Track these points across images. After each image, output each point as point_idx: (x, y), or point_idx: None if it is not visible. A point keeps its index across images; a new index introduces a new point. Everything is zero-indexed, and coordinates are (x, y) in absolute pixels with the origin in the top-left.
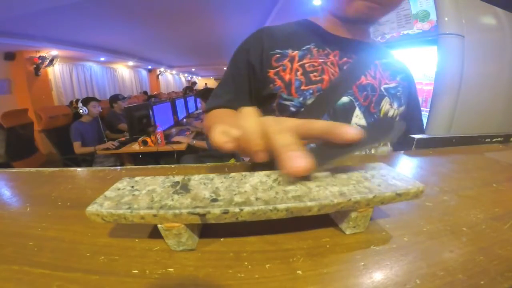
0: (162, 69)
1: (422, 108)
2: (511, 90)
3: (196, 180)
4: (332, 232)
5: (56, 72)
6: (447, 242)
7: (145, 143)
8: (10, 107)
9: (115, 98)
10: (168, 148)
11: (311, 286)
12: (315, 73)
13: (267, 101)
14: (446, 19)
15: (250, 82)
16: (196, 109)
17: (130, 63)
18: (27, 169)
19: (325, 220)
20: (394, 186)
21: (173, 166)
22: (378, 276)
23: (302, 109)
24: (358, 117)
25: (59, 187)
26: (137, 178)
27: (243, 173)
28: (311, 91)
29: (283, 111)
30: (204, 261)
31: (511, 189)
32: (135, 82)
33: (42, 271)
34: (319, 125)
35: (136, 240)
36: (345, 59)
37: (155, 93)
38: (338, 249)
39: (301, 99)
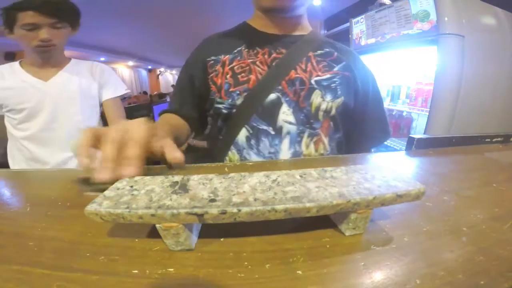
0: (162, 69)
1: (422, 108)
2: (511, 90)
3: (195, 180)
4: (332, 232)
5: None
6: (447, 242)
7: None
8: None
9: None
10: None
11: (311, 286)
12: (242, 74)
13: (210, 106)
14: (446, 19)
15: (193, 92)
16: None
17: (130, 63)
18: (27, 169)
19: (325, 220)
20: (395, 187)
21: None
22: (378, 276)
23: (234, 111)
24: (285, 113)
25: (59, 187)
26: (136, 178)
27: (242, 173)
28: (238, 92)
29: (218, 114)
30: (204, 261)
31: (511, 189)
32: (135, 82)
33: (42, 271)
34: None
35: (136, 240)
36: (274, 55)
37: (155, 92)
38: (338, 249)
39: (230, 100)
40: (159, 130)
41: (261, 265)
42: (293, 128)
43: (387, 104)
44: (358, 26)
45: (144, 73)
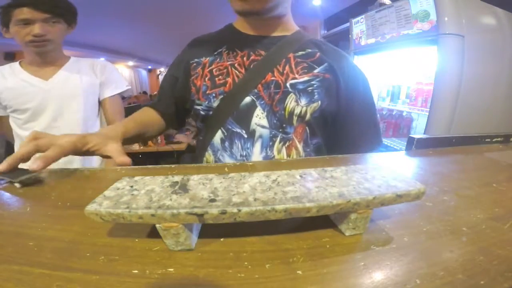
0: (162, 69)
1: (422, 108)
2: (511, 90)
3: (195, 180)
4: (332, 232)
5: None
6: (447, 242)
7: (145, 143)
8: None
9: None
10: (168, 148)
11: (311, 286)
12: (220, 77)
13: (191, 107)
14: (446, 19)
15: (173, 91)
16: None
17: (130, 63)
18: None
19: (325, 220)
20: (395, 187)
21: (173, 166)
22: (378, 276)
23: (210, 112)
24: (259, 117)
25: (59, 187)
26: (136, 178)
27: (242, 173)
28: (214, 95)
29: (197, 116)
30: (204, 261)
31: (511, 189)
32: (135, 82)
33: (42, 271)
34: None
35: (136, 240)
36: (252, 57)
37: (155, 92)
38: (338, 249)
39: (206, 102)
40: (99, 136)
41: (261, 265)
42: (265, 132)
43: (387, 104)
44: (358, 26)
45: (144, 73)
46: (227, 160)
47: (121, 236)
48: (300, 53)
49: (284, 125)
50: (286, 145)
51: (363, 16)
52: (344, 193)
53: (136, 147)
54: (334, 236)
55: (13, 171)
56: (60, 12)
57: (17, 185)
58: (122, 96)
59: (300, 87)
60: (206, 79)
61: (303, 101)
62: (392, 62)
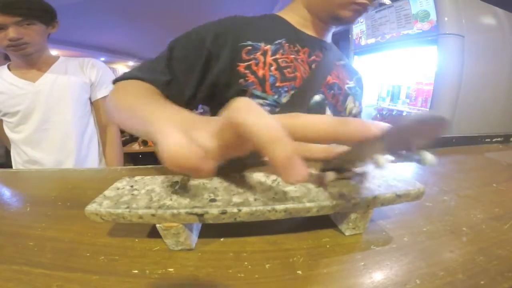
0: None
1: (422, 108)
2: (511, 90)
3: (195, 180)
4: (332, 232)
5: None
6: (447, 242)
7: (145, 143)
8: None
9: None
10: None
11: (311, 286)
12: (288, 69)
13: (233, 97)
14: (446, 19)
15: (202, 71)
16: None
17: (130, 63)
18: (27, 169)
19: (325, 220)
20: (395, 187)
21: None
22: (378, 276)
23: (277, 109)
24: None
25: (59, 187)
26: (136, 178)
27: (243, 173)
28: (286, 89)
29: None
30: (204, 261)
31: (511, 189)
32: None
33: (42, 271)
34: (324, 124)
35: (136, 240)
36: (313, 57)
37: None
38: (338, 249)
39: (276, 97)
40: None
41: (261, 265)
42: None
43: (387, 104)
44: (358, 26)
45: None
46: None
47: (121, 236)
48: (342, 62)
49: None
50: None
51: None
52: (344, 193)
53: (136, 147)
54: (334, 236)
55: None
56: (33, 14)
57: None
58: None
59: (353, 91)
60: (272, 69)
61: (357, 103)
62: (392, 62)
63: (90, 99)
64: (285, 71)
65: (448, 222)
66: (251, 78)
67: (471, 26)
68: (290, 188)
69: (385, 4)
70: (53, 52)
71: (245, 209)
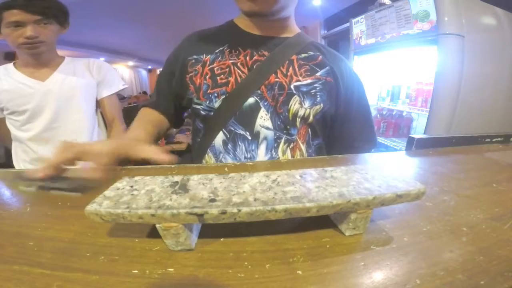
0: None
1: (422, 108)
2: (511, 90)
3: (195, 180)
4: (332, 232)
5: None
6: (447, 242)
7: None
8: None
9: None
10: (168, 148)
11: (311, 286)
12: (222, 76)
13: (188, 105)
14: (446, 19)
15: (170, 89)
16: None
17: (130, 63)
18: (27, 169)
19: (325, 220)
20: (395, 187)
21: (173, 166)
22: (378, 276)
23: (211, 113)
24: (263, 118)
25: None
26: (136, 178)
27: (242, 173)
28: (215, 94)
29: (197, 115)
30: (204, 261)
31: (511, 189)
32: (135, 82)
33: (42, 271)
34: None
35: (136, 240)
36: (256, 57)
37: None
38: (338, 249)
39: (208, 102)
40: (130, 141)
41: (261, 265)
42: (270, 134)
43: (387, 104)
44: (358, 26)
45: (144, 73)
46: (230, 162)
47: (121, 236)
48: (303, 55)
49: (288, 127)
50: (290, 146)
51: (363, 16)
52: (344, 193)
53: None
54: (334, 236)
55: (51, 178)
56: (51, 13)
57: (71, 194)
58: (122, 96)
59: (304, 89)
60: (207, 77)
61: (306, 104)
62: (392, 62)
63: (96, 99)
64: (218, 78)
65: (448, 222)
66: (191, 87)
67: (471, 26)
68: (290, 188)
69: (385, 4)
70: None
71: (245, 209)
